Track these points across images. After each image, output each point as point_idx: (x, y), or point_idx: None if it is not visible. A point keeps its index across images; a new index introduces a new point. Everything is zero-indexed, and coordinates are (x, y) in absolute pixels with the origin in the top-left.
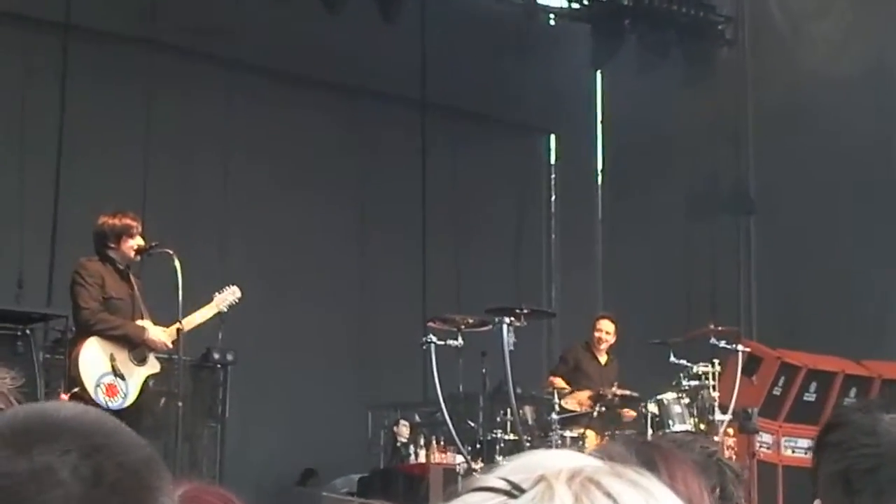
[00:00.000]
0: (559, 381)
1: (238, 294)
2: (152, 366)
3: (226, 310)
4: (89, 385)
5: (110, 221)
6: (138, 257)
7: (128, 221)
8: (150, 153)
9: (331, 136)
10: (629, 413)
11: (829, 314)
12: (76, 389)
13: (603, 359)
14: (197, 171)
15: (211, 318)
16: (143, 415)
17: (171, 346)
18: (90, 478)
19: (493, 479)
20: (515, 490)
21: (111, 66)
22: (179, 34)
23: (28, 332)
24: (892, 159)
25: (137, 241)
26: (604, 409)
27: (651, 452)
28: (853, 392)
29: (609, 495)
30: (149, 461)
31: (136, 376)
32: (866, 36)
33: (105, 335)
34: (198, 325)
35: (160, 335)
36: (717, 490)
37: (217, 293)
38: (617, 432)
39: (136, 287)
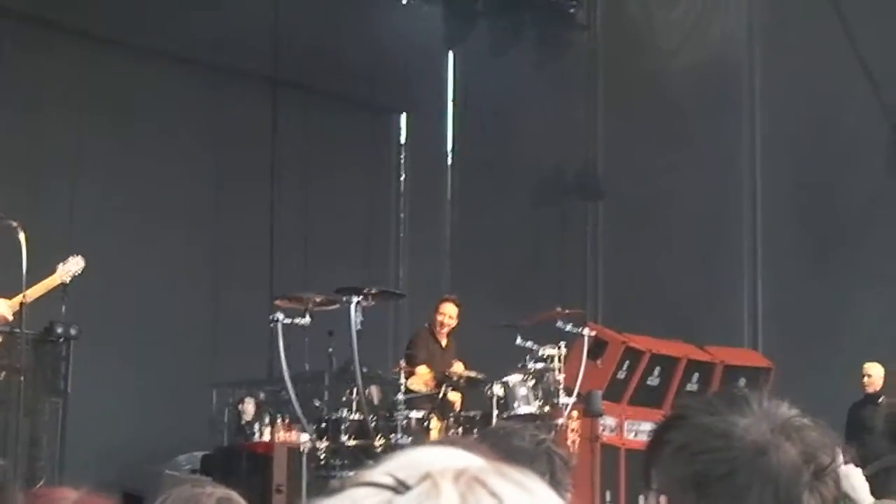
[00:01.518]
0: (423, 369)
1: (82, 264)
2: None
3: (69, 280)
4: None
5: None
6: None
7: None
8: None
9: (182, 111)
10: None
11: (674, 299)
12: None
13: (444, 341)
14: (48, 143)
15: (55, 289)
16: None
17: (11, 318)
18: None
19: (378, 475)
20: (401, 486)
21: None
22: (37, 4)
23: None
24: (738, 142)
25: None
26: (450, 389)
27: (547, 453)
28: (696, 377)
29: (494, 494)
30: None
31: None
32: (714, 23)
33: None
34: (41, 296)
35: (1, 307)
36: (547, 477)
37: (61, 264)
38: (459, 414)
39: None
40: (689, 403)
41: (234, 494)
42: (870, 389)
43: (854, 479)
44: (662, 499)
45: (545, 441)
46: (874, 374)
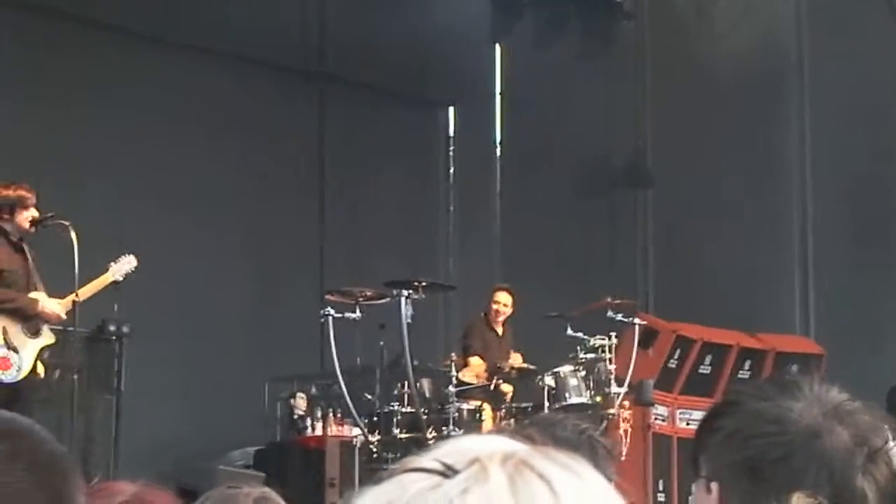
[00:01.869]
0: (476, 360)
1: (134, 263)
2: (47, 337)
3: (121, 279)
4: None
5: (4, 192)
6: (33, 229)
7: (22, 193)
8: (48, 121)
9: (232, 109)
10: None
11: (725, 287)
12: None
13: (500, 330)
14: (92, 137)
15: (106, 288)
16: (38, 387)
17: (64, 317)
18: (7, 456)
19: (426, 461)
20: (449, 471)
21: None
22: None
23: None
24: (787, 129)
25: (32, 213)
26: (501, 381)
27: (590, 443)
28: (747, 364)
29: (542, 477)
30: (63, 455)
31: (30, 348)
32: (762, 8)
33: None
34: (93, 295)
35: (54, 307)
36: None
37: (112, 263)
38: (511, 406)
39: (30, 259)
40: (741, 389)
41: (272, 493)
42: None
43: None
44: (714, 486)
45: (587, 430)
46: None
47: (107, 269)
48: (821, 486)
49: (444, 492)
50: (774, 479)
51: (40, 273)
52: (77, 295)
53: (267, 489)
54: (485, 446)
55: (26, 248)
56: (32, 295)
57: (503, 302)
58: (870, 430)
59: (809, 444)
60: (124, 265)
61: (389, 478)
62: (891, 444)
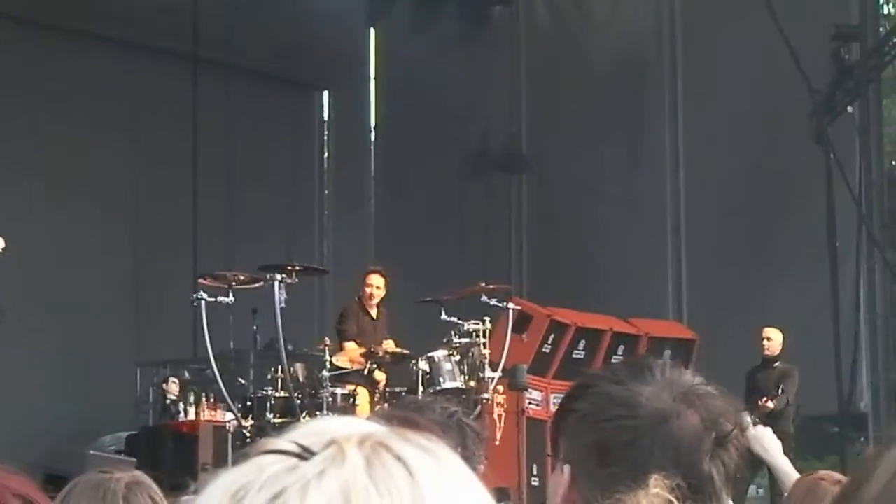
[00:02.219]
0: (352, 345)
1: (2, 244)
2: None
3: None
4: None
5: None
6: None
7: None
8: None
9: (103, 89)
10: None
11: (599, 272)
12: None
13: (374, 312)
14: None
15: None
16: None
17: None
18: None
19: (283, 443)
20: (306, 453)
21: None
22: None
23: None
24: (661, 114)
25: None
26: (375, 367)
27: (398, 424)
28: (621, 350)
29: (399, 459)
30: None
31: None
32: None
33: None
34: None
35: None
36: (459, 449)
37: None
38: (385, 390)
39: None
40: (595, 373)
41: (144, 477)
42: (768, 353)
43: (765, 440)
44: (566, 468)
45: (456, 413)
46: (774, 338)
47: None
48: (667, 469)
49: (301, 473)
50: (623, 462)
51: None
52: None
53: (139, 473)
54: (342, 428)
55: None
56: None
57: (375, 284)
58: (720, 413)
59: (657, 427)
60: None
61: (245, 460)
62: (746, 426)
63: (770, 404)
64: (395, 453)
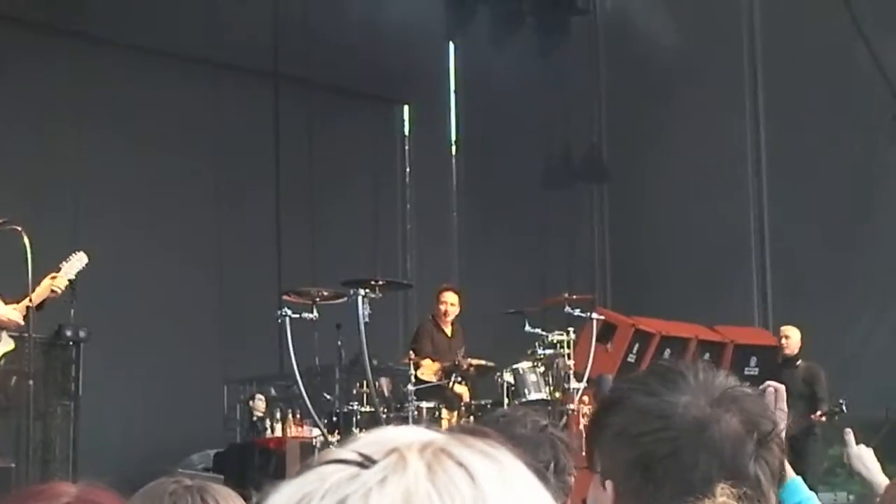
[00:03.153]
0: (427, 362)
1: (85, 260)
2: (6, 343)
3: (74, 277)
4: None
5: None
6: None
7: None
8: (2, 127)
9: (185, 110)
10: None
11: (683, 280)
12: None
13: (448, 330)
14: (49, 146)
15: (63, 289)
16: None
17: (22, 323)
18: None
19: (345, 452)
20: (367, 461)
21: None
22: (34, 9)
23: None
24: (741, 117)
25: None
26: (458, 381)
27: (546, 439)
28: (706, 357)
29: (461, 464)
30: None
31: None
32: (714, 10)
33: None
34: (49, 296)
35: (10, 314)
36: (553, 464)
37: (64, 262)
38: (470, 403)
39: None
40: (626, 385)
41: (209, 485)
42: (787, 352)
43: (866, 459)
44: (608, 483)
45: (547, 427)
46: (792, 336)
47: (58, 269)
48: (713, 477)
49: (363, 481)
50: (667, 476)
51: None
52: (31, 300)
53: (205, 483)
54: (403, 436)
55: None
56: None
57: (449, 301)
58: (758, 413)
59: (697, 436)
60: (76, 263)
61: (308, 470)
62: (781, 427)
63: (823, 418)
64: (456, 459)
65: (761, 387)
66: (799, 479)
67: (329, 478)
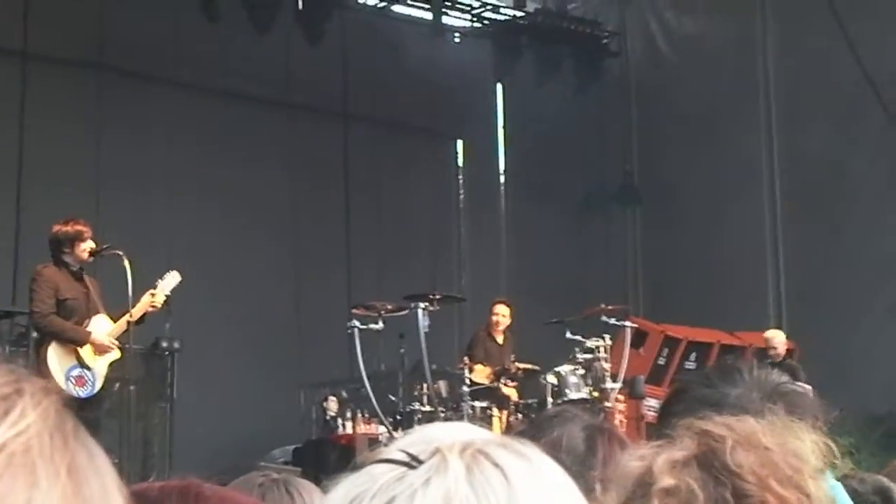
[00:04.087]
0: (480, 367)
1: (178, 277)
2: (114, 353)
3: (169, 293)
4: (59, 379)
5: (63, 228)
6: (90, 258)
7: (79, 227)
8: (103, 167)
9: (264, 146)
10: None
11: (707, 290)
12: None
13: (500, 339)
14: (144, 183)
15: (161, 304)
16: (103, 399)
17: (111, 345)
18: None
19: (393, 452)
20: (414, 461)
21: (66, 88)
22: (126, 58)
23: None
24: (756, 151)
25: (89, 245)
26: (507, 382)
27: (598, 438)
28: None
29: (497, 465)
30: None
31: (101, 364)
32: (731, 52)
33: (52, 336)
34: (149, 311)
35: (103, 339)
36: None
37: (159, 280)
38: (517, 402)
39: (90, 286)
40: (689, 378)
41: (293, 478)
42: (773, 354)
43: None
44: None
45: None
46: (775, 338)
47: (155, 286)
48: None
49: (409, 482)
50: None
51: (101, 298)
52: (131, 315)
53: (289, 476)
54: (446, 436)
55: (86, 277)
56: (94, 319)
57: (501, 313)
58: (804, 408)
59: None
60: (170, 280)
61: (361, 467)
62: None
63: None
64: (492, 460)
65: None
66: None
67: (379, 478)
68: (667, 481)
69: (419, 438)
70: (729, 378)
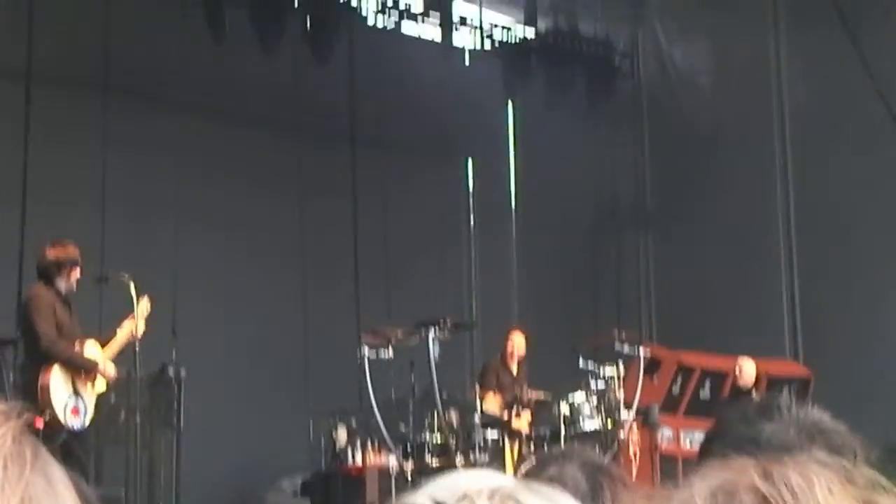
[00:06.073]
0: (491, 396)
1: (148, 303)
2: (101, 385)
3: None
4: (59, 411)
5: (63, 252)
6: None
7: (71, 252)
8: (108, 188)
9: (271, 168)
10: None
11: (721, 316)
12: (48, 418)
13: (514, 368)
14: (150, 205)
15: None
16: (101, 429)
17: (114, 376)
18: None
19: (420, 497)
20: None
21: (71, 108)
22: (131, 79)
23: None
24: (770, 174)
25: (77, 272)
26: (520, 409)
27: (600, 478)
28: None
29: None
30: None
31: (91, 393)
32: (749, 73)
33: (61, 362)
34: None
35: (111, 370)
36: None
37: (136, 305)
38: (529, 433)
39: (72, 312)
40: (727, 415)
41: None
42: (740, 383)
43: None
44: None
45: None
46: (745, 368)
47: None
48: None
49: None
50: None
51: (80, 324)
52: (136, 337)
53: None
54: (473, 482)
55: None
56: (87, 344)
57: (516, 342)
58: (841, 446)
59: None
60: (143, 307)
61: None
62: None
63: None
64: None
65: None
66: None
67: None
68: None
69: (446, 485)
70: (766, 413)
